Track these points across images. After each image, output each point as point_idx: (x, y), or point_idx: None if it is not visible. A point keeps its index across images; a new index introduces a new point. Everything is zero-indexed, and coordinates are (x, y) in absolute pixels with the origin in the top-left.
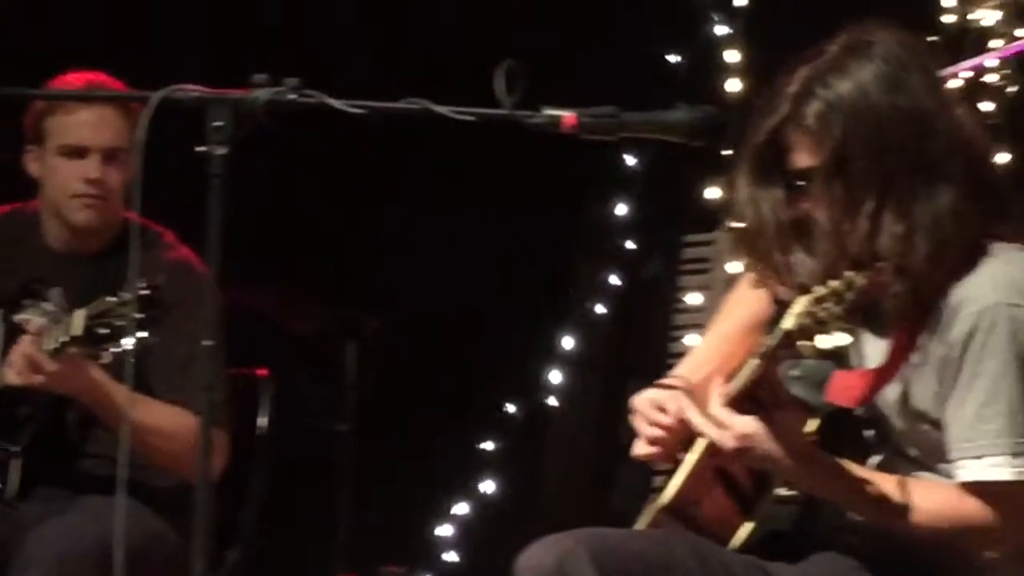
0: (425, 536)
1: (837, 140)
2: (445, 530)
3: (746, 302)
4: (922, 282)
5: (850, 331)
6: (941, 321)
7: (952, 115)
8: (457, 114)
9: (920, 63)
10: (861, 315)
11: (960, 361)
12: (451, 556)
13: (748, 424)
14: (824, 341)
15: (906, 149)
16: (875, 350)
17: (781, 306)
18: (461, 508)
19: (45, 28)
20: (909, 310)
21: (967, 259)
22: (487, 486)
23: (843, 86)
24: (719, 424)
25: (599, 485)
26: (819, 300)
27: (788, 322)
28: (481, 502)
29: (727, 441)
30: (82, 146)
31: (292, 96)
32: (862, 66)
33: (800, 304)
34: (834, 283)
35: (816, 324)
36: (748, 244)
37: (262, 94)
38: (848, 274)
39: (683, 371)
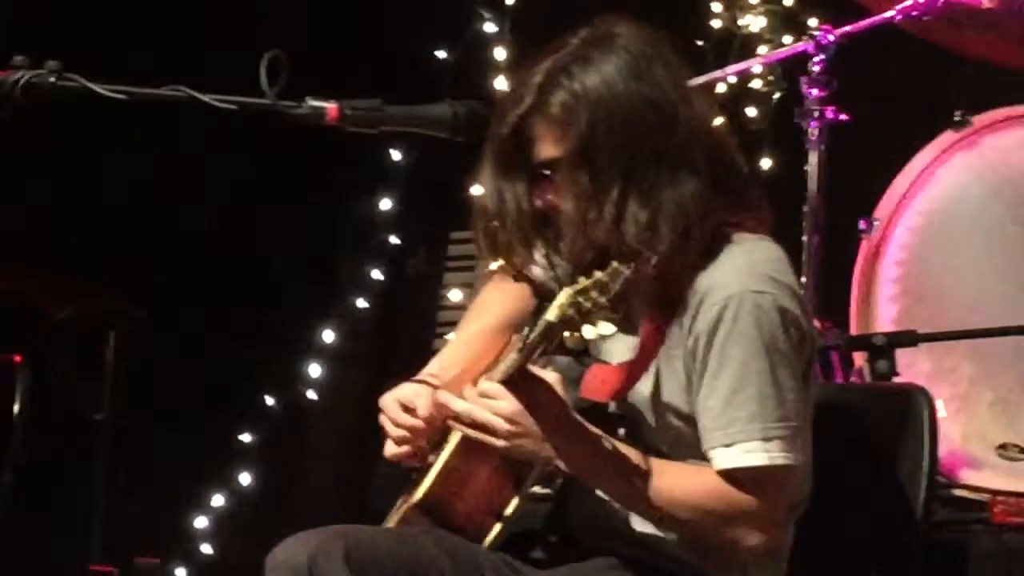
0: (181, 528)
1: (581, 130)
2: (201, 522)
3: (500, 299)
4: (669, 269)
5: (615, 321)
6: (687, 312)
7: (694, 107)
8: (219, 102)
9: (662, 56)
10: (627, 304)
11: (707, 350)
12: (207, 548)
13: (514, 403)
14: (590, 331)
15: (650, 138)
16: (622, 345)
17: (543, 299)
18: (218, 500)
19: None
20: (656, 299)
21: (710, 248)
22: (244, 478)
23: (587, 76)
24: (487, 408)
25: (358, 482)
26: (583, 291)
27: (552, 314)
28: (238, 494)
29: (496, 423)
30: None
31: (52, 79)
32: (606, 57)
33: (564, 295)
34: (598, 274)
35: (580, 315)
36: (492, 237)
37: (20, 75)
38: (613, 264)
39: (433, 369)
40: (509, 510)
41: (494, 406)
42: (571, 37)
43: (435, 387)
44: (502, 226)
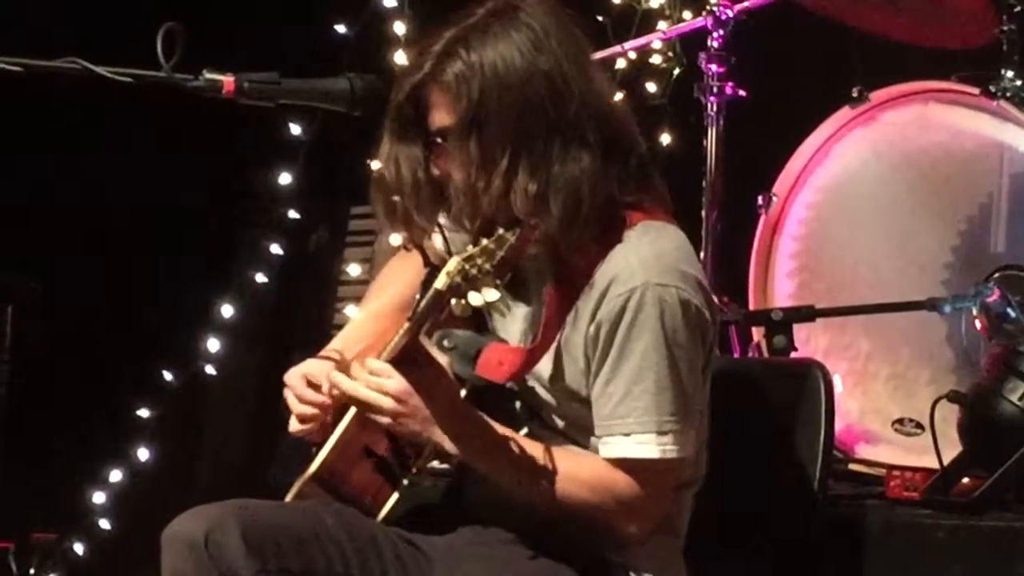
0: (78, 503)
1: (473, 99)
2: (99, 497)
3: (401, 277)
4: (561, 244)
5: (499, 288)
6: (591, 299)
7: (593, 83)
8: (114, 74)
9: (564, 30)
10: (511, 274)
11: (609, 340)
12: (105, 523)
13: (401, 383)
14: (475, 298)
15: (542, 111)
16: (519, 322)
17: (432, 269)
18: (115, 475)
19: None
20: (556, 280)
21: (608, 229)
22: (143, 453)
23: (485, 48)
24: (373, 387)
25: (258, 456)
26: (470, 258)
27: (440, 282)
28: (135, 469)
29: (382, 402)
30: None
31: None
32: (505, 30)
33: (452, 263)
34: (485, 241)
35: (467, 282)
36: (391, 206)
37: None
38: (499, 232)
39: (338, 345)
40: (402, 485)
41: (381, 384)
42: (477, 7)
43: (339, 363)
44: (399, 194)
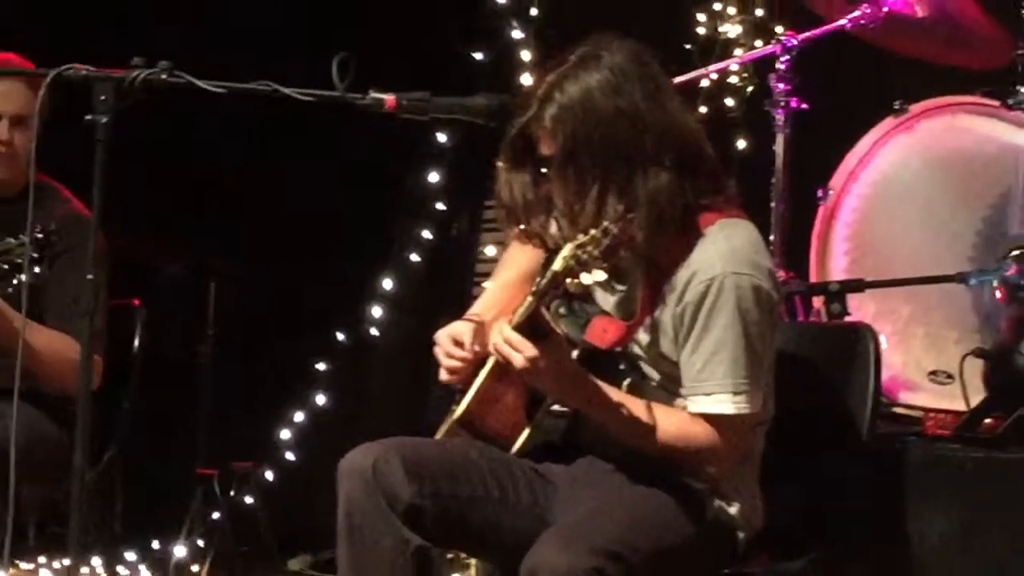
0: (269, 439)
1: (567, 137)
2: (285, 434)
3: (519, 257)
4: (653, 244)
5: (606, 269)
6: (679, 285)
7: (667, 111)
8: (299, 95)
9: (642, 71)
10: (614, 259)
11: (694, 318)
12: (290, 455)
13: (532, 348)
14: (586, 278)
15: (624, 144)
16: (617, 300)
17: (551, 253)
18: (298, 416)
19: None
20: (650, 271)
21: (689, 229)
22: (320, 399)
23: (573, 92)
24: (513, 346)
25: (412, 402)
26: (581, 246)
27: (557, 264)
28: (315, 412)
29: (518, 361)
30: None
31: (164, 76)
32: (590, 75)
33: (566, 250)
34: (593, 231)
35: (579, 265)
36: (506, 216)
37: (138, 73)
38: (605, 223)
39: (476, 310)
40: (530, 426)
41: (512, 344)
42: (569, 54)
43: (479, 324)
44: (514, 209)
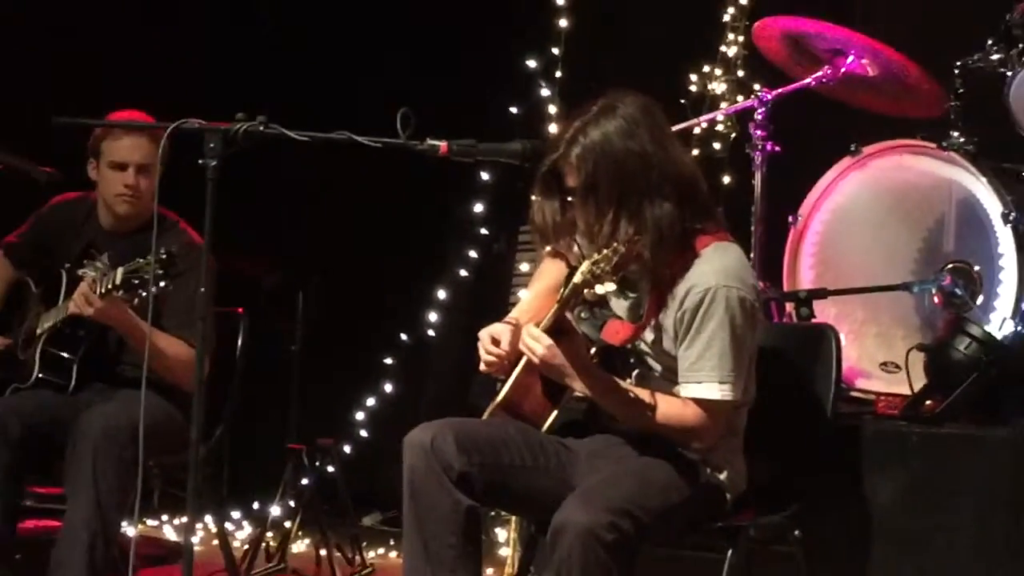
0: (347, 419)
1: (589, 173)
2: (359, 416)
3: (549, 271)
4: (656, 262)
5: (616, 281)
6: (678, 296)
7: (669, 153)
8: (369, 142)
9: (650, 120)
10: (623, 273)
11: (691, 321)
12: (363, 433)
13: (552, 344)
14: (600, 289)
15: (634, 179)
16: (627, 306)
17: (572, 269)
18: (370, 401)
19: (100, 78)
20: (656, 285)
21: (688, 249)
22: (387, 387)
23: (595, 135)
24: (535, 338)
25: (459, 389)
26: (595, 262)
27: (576, 278)
28: (383, 397)
29: (538, 351)
30: (123, 162)
31: (261, 127)
32: (608, 121)
33: (584, 266)
34: (605, 251)
35: (594, 278)
36: (539, 236)
37: (240, 126)
38: (615, 244)
39: (513, 315)
40: (558, 408)
41: (540, 343)
42: (591, 105)
43: (515, 326)
44: (545, 230)
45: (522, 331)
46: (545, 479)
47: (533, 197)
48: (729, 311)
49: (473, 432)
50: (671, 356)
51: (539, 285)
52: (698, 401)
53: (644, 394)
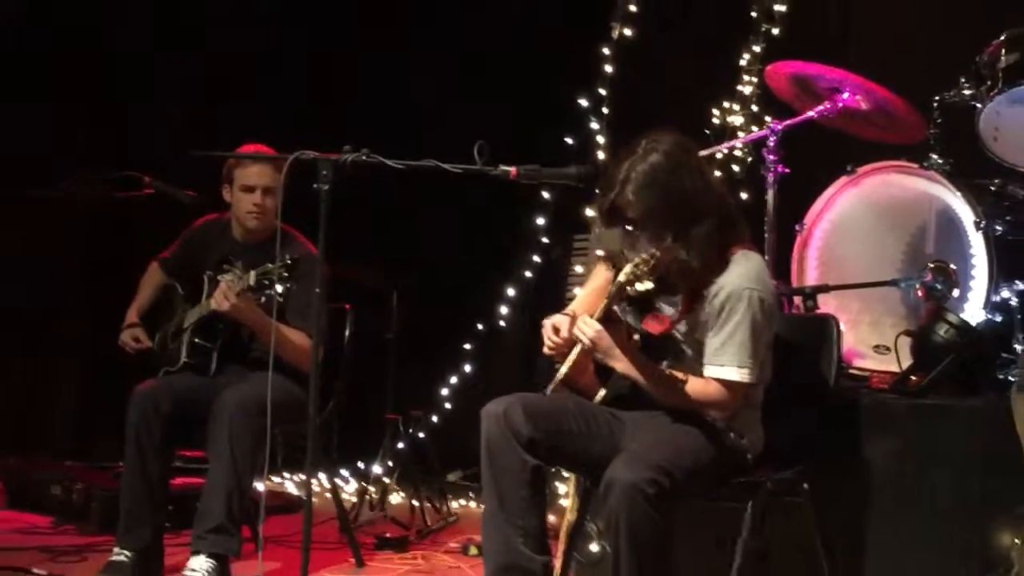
0: (434, 394)
1: (644, 206)
2: (444, 392)
3: (600, 274)
4: (695, 272)
5: (653, 281)
6: (711, 295)
7: (708, 181)
8: (452, 168)
9: (687, 155)
10: (660, 274)
11: (719, 314)
12: (448, 405)
13: (601, 329)
14: (640, 286)
15: (681, 207)
16: (664, 304)
17: (618, 271)
18: (453, 379)
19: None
20: (692, 287)
21: (721, 259)
22: (467, 367)
23: (644, 175)
24: (588, 326)
25: (525, 369)
26: (636, 265)
27: (622, 278)
28: (464, 376)
29: (588, 333)
30: (252, 185)
31: (364, 157)
32: (657, 161)
33: (628, 267)
34: (644, 255)
35: (635, 278)
36: (608, 259)
37: (348, 156)
38: (651, 250)
39: (570, 309)
40: (608, 383)
41: (593, 331)
42: (636, 145)
43: (572, 317)
44: (610, 254)
45: (576, 320)
46: (597, 443)
47: (597, 229)
48: (751, 308)
49: (538, 404)
50: (700, 342)
51: (592, 284)
52: (720, 381)
53: (675, 374)
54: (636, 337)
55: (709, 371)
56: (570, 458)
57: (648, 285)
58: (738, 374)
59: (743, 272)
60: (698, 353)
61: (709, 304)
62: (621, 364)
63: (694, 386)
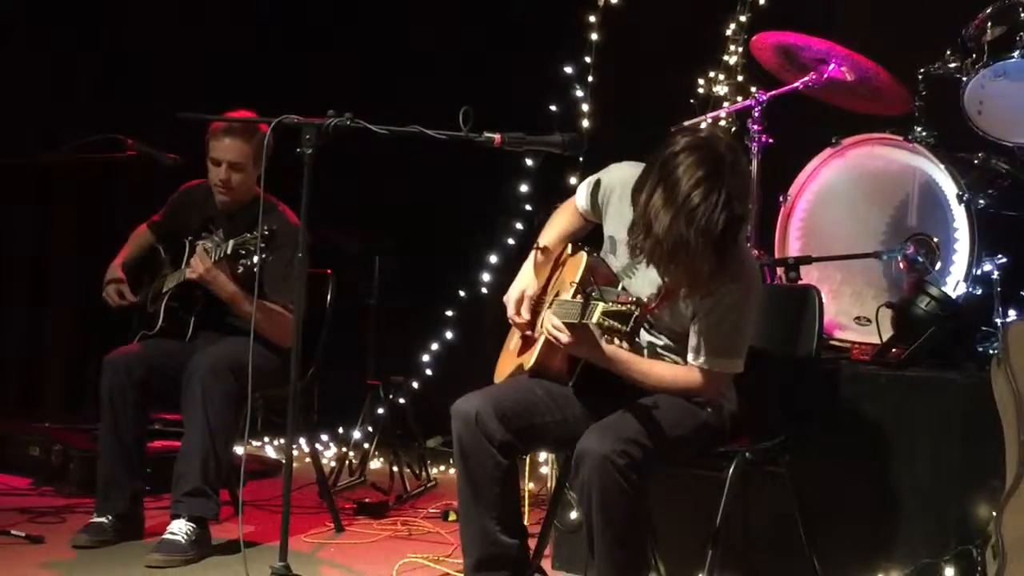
0: (415, 360)
1: (672, 255)
2: (425, 358)
3: (560, 220)
4: (709, 278)
5: (627, 338)
6: (709, 290)
7: (721, 215)
8: (436, 134)
9: (703, 192)
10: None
11: (713, 310)
12: (428, 371)
13: (571, 336)
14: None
15: (703, 255)
16: (648, 284)
17: (587, 294)
18: (434, 346)
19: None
20: (681, 280)
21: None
22: (448, 335)
23: (668, 228)
24: (559, 331)
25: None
26: (610, 315)
27: (595, 318)
28: (445, 343)
29: (563, 342)
30: (218, 159)
31: (348, 122)
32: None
33: (599, 311)
34: (623, 308)
35: (610, 328)
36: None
37: (331, 121)
38: (635, 310)
39: (529, 267)
40: (577, 370)
41: (565, 335)
42: (648, 171)
43: (531, 298)
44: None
45: (546, 320)
46: (571, 426)
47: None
48: (745, 305)
49: (508, 399)
50: (676, 330)
51: (548, 237)
52: (703, 370)
53: (656, 364)
54: (618, 342)
55: (701, 360)
56: (547, 444)
57: (622, 329)
58: (720, 363)
59: (739, 273)
60: (673, 340)
61: (706, 297)
62: (602, 361)
63: (677, 373)
